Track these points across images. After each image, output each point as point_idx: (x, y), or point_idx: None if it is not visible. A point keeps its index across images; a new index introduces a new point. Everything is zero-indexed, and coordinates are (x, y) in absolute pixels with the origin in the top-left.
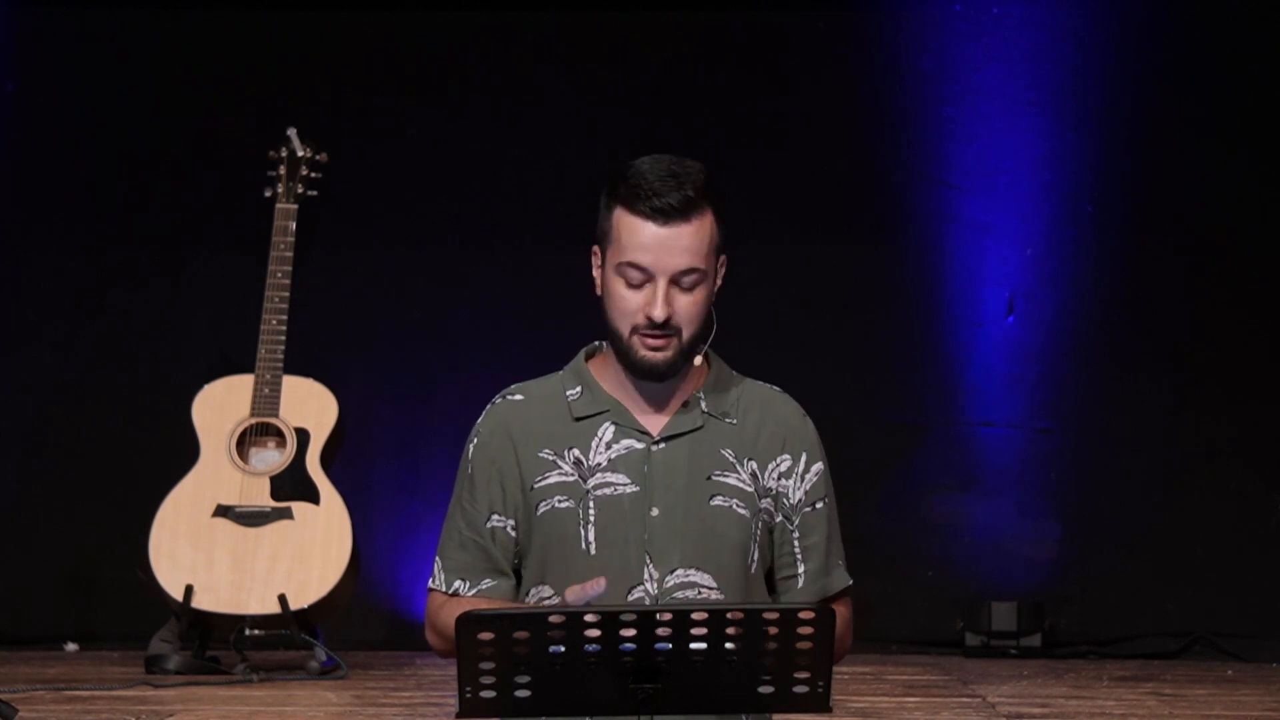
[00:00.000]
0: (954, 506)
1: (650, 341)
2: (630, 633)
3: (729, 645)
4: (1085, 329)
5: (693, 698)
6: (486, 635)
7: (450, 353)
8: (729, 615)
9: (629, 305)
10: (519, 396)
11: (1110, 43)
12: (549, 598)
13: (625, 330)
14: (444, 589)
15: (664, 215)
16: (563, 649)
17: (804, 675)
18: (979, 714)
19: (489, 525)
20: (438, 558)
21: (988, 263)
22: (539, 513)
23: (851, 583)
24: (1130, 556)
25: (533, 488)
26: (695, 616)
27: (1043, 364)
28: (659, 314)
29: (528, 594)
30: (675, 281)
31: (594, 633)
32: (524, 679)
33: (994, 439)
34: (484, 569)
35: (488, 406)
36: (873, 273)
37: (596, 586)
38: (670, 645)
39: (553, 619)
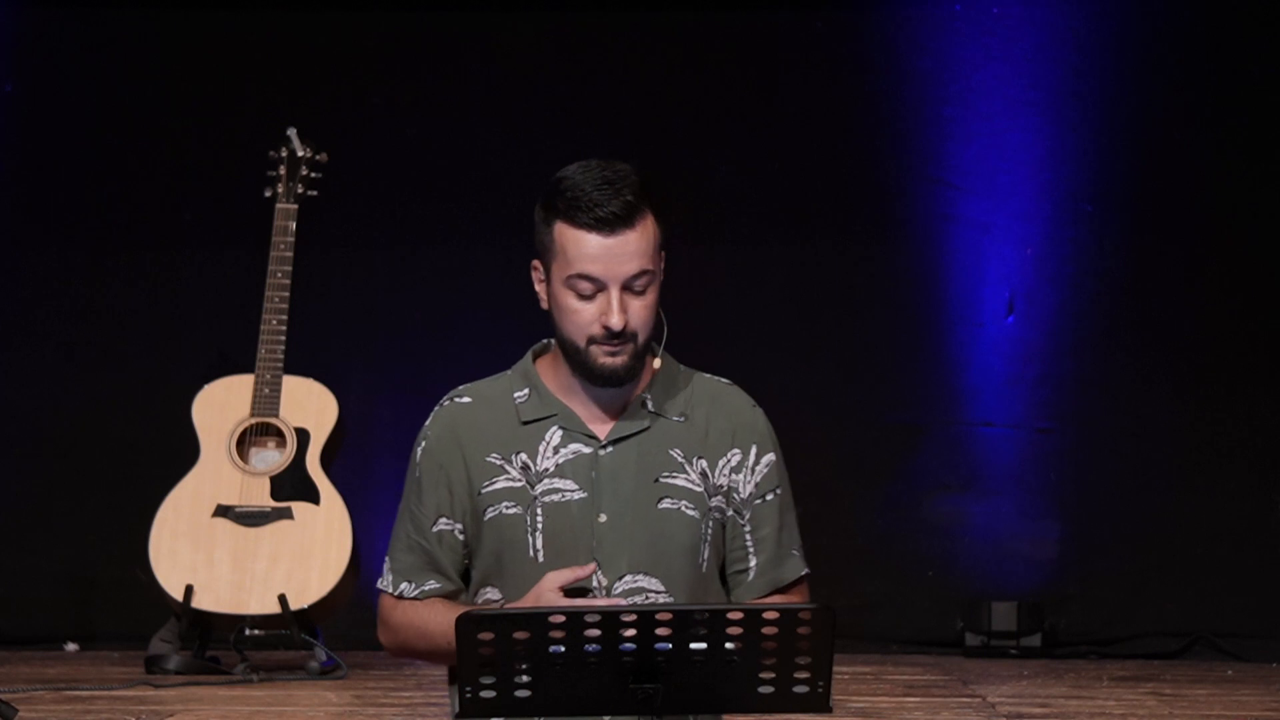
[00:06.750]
0: (954, 506)
1: (608, 349)
2: (630, 633)
3: (729, 645)
4: (1085, 329)
5: (693, 698)
6: (486, 635)
7: (450, 353)
8: (729, 615)
9: (583, 317)
10: (467, 399)
11: (1110, 43)
12: (496, 601)
13: (581, 342)
14: (392, 591)
15: (608, 225)
16: (563, 649)
17: (804, 675)
18: (979, 714)
19: (435, 529)
20: (388, 559)
21: (988, 263)
22: (487, 517)
23: (807, 571)
24: (1130, 556)
25: (480, 492)
26: (696, 616)
27: (1043, 364)
28: (616, 323)
29: (475, 596)
30: (627, 287)
31: (594, 633)
32: (524, 679)
33: (994, 439)
34: (429, 572)
35: (435, 408)
36: (873, 273)
37: (584, 571)
38: (670, 645)
39: (553, 619)
